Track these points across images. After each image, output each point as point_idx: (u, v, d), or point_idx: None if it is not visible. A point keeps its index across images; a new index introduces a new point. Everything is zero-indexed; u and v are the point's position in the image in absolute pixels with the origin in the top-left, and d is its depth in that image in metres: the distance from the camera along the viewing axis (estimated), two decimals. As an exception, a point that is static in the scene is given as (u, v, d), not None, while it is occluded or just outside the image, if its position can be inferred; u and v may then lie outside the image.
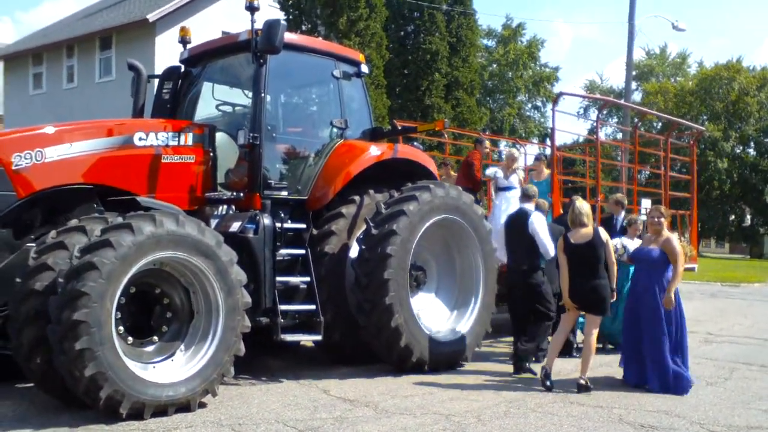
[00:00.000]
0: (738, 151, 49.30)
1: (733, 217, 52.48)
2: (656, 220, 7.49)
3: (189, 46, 8.32)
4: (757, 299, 18.93)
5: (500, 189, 10.80)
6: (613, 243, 7.91)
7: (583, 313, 7.47)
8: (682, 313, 7.43)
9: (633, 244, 8.48)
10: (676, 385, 7.11)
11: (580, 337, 8.61)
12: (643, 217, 8.84)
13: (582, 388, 7.04)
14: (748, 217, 53.69)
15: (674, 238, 7.55)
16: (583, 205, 7.37)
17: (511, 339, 8.93)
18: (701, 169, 40.12)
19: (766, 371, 8.40)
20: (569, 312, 7.42)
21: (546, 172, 11.25)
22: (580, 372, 7.18)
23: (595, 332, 7.34)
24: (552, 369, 7.23)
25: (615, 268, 7.42)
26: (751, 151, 50.73)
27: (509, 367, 8.12)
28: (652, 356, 7.25)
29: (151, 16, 23.30)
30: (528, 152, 15.76)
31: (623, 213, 9.93)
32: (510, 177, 10.67)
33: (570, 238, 7.25)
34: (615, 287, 7.45)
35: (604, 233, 7.35)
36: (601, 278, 7.15)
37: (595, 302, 7.18)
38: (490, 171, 11.39)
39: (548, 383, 7.09)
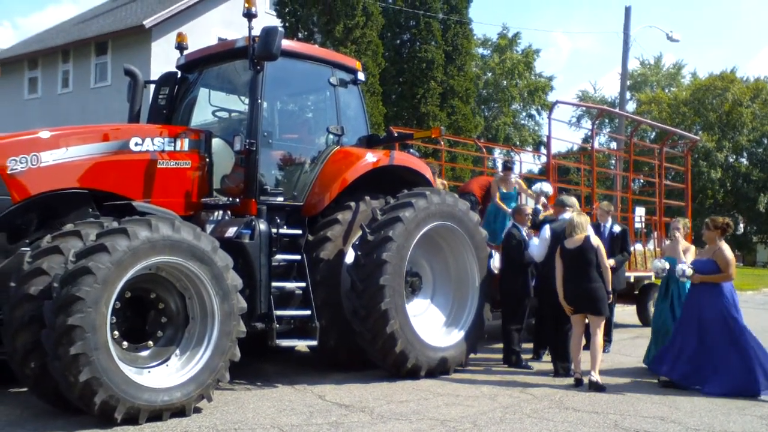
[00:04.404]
0: (731, 160, 49.51)
1: (726, 225, 52.61)
2: (706, 231, 7.76)
3: (186, 52, 8.34)
4: (751, 307, 18.94)
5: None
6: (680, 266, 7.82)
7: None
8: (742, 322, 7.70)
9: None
10: (747, 387, 7.26)
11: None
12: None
13: (593, 386, 7.29)
14: (741, 225, 53.89)
15: (725, 247, 7.66)
16: (574, 219, 7.67)
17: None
18: (694, 179, 40.26)
19: (760, 378, 8.40)
20: (573, 316, 7.67)
21: (513, 181, 11.11)
22: (591, 369, 7.41)
23: (600, 332, 7.58)
24: (581, 373, 7.53)
25: (609, 273, 7.61)
26: (744, 161, 50.97)
27: (505, 373, 8.17)
28: (715, 363, 7.40)
29: (147, 23, 23.29)
30: (522, 160, 15.86)
31: (610, 220, 9.95)
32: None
33: (565, 245, 7.63)
34: (611, 290, 7.69)
35: (595, 239, 7.65)
36: (593, 281, 7.46)
37: (588, 303, 7.47)
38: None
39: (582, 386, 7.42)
